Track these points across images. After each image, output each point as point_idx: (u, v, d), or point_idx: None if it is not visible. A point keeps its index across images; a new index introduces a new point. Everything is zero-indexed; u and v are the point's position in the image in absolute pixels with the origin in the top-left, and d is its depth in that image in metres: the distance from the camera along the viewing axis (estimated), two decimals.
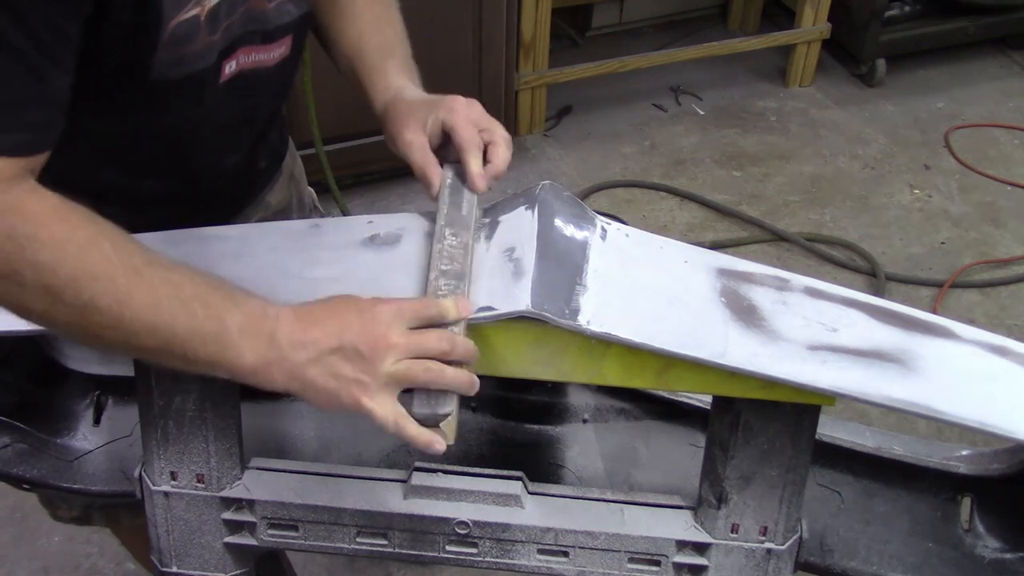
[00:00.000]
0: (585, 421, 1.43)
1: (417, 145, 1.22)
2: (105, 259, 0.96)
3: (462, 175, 1.21)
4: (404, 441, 1.01)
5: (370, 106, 1.32)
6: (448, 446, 1.03)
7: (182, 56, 1.11)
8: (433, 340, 1.01)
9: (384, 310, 1.02)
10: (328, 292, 1.07)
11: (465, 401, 1.43)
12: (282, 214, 1.55)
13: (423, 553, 1.27)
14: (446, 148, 1.24)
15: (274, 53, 1.26)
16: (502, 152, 1.22)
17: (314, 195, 1.71)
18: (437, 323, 1.04)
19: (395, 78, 1.31)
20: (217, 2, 1.11)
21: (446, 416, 1.02)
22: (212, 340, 0.98)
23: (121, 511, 1.55)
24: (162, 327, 0.97)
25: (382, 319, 1.01)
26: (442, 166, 1.22)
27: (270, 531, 1.28)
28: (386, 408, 1.00)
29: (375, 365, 0.99)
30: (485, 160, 1.21)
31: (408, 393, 1.03)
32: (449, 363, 1.02)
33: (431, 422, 1.01)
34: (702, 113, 3.90)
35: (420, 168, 1.22)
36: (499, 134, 1.23)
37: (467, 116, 1.22)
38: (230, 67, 1.21)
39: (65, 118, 1.01)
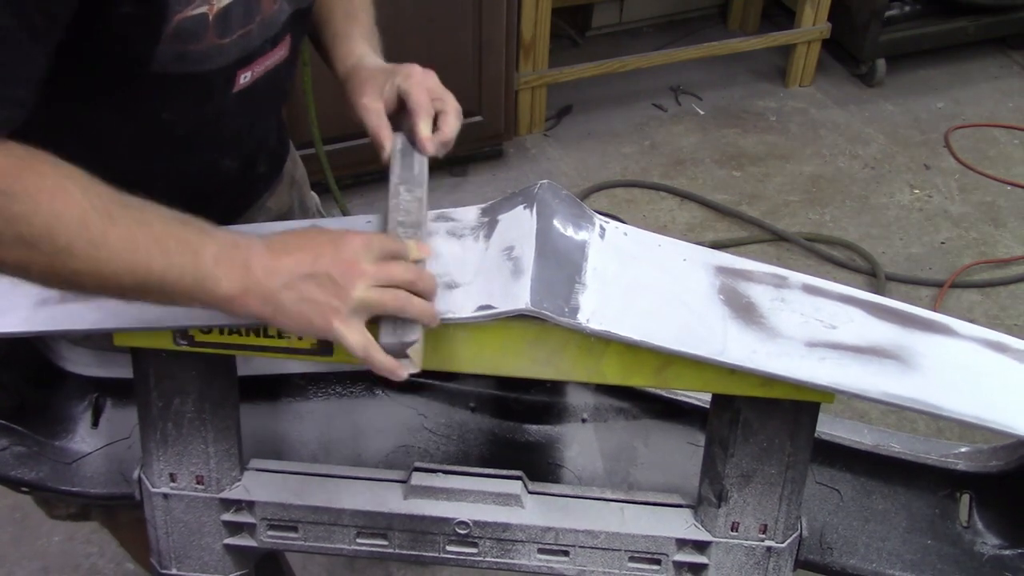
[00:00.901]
0: (584, 421, 1.43)
1: (372, 110, 1.27)
2: (77, 204, 0.97)
3: (413, 140, 1.26)
4: (371, 367, 1.03)
5: (332, 71, 1.37)
6: (412, 374, 1.05)
7: (186, 52, 1.12)
8: (400, 270, 1.05)
9: (355, 240, 1.05)
10: None
11: (464, 401, 1.44)
12: (283, 219, 1.54)
13: (423, 553, 1.27)
14: (401, 115, 1.28)
15: (278, 55, 1.27)
16: (451, 121, 1.27)
17: (318, 201, 1.71)
18: (402, 259, 1.07)
19: (357, 45, 1.36)
20: (228, 3, 1.12)
21: (412, 344, 1.04)
22: (188, 272, 1.00)
23: (120, 508, 1.54)
24: (139, 265, 0.98)
25: (353, 248, 1.04)
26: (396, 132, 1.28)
27: (270, 532, 1.28)
28: (356, 334, 1.02)
29: (347, 291, 1.02)
30: (436, 128, 1.26)
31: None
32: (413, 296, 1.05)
33: (397, 350, 1.04)
34: (702, 113, 3.90)
35: (374, 131, 1.27)
36: (451, 104, 1.28)
37: (422, 83, 1.27)
38: (245, 77, 1.23)
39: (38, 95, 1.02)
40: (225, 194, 1.41)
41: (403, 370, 1.04)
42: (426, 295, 1.06)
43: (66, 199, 0.96)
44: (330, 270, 1.01)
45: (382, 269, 1.03)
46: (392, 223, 1.15)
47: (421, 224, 1.16)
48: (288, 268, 1.02)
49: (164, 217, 1.01)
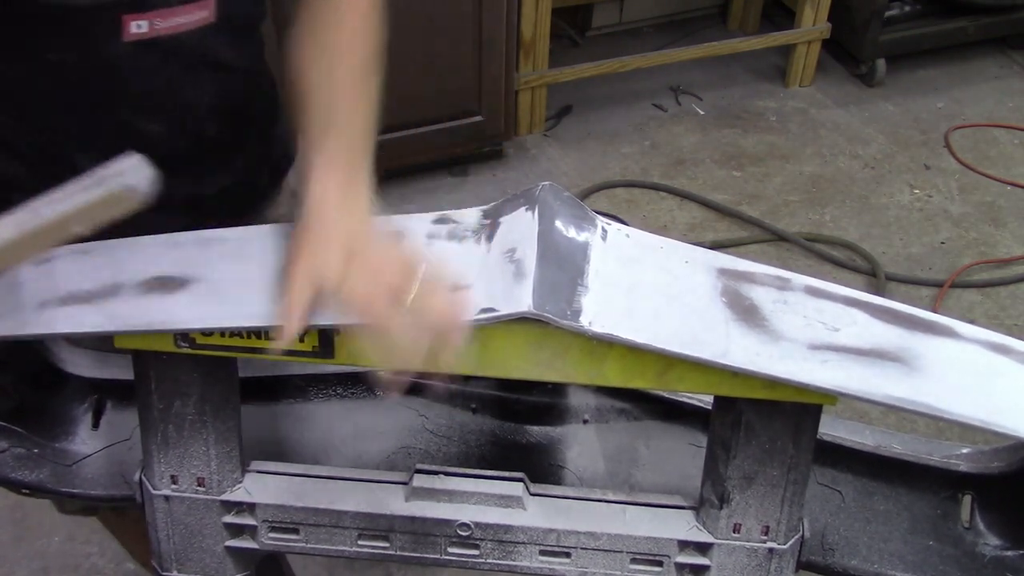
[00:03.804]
0: (586, 422, 1.43)
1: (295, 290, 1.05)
2: None
3: None
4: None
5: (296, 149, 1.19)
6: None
7: None
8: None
9: None
10: None
11: (465, 403, 1.44)
12: None
13: (425, 555, 1.27)
14: None
15: (195, 17, 1.20)
16: None
17: None
18: None
19: (322, 175, 1.17)
20: None
21: None
22: None
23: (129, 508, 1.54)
24: None
25: None
26: None
27: (271, 534, 1.28)
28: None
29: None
30: None
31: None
32: None
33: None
34: (702, 113, 3.90)
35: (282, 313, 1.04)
36: None
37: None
38: (138, 26, 1.18)
39: None
40: (231, 193, 1.39)
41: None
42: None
43: None
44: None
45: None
46: None
47: None
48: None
49: None
